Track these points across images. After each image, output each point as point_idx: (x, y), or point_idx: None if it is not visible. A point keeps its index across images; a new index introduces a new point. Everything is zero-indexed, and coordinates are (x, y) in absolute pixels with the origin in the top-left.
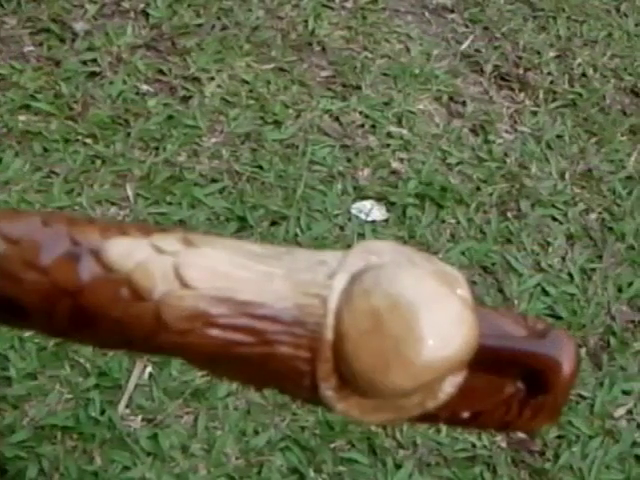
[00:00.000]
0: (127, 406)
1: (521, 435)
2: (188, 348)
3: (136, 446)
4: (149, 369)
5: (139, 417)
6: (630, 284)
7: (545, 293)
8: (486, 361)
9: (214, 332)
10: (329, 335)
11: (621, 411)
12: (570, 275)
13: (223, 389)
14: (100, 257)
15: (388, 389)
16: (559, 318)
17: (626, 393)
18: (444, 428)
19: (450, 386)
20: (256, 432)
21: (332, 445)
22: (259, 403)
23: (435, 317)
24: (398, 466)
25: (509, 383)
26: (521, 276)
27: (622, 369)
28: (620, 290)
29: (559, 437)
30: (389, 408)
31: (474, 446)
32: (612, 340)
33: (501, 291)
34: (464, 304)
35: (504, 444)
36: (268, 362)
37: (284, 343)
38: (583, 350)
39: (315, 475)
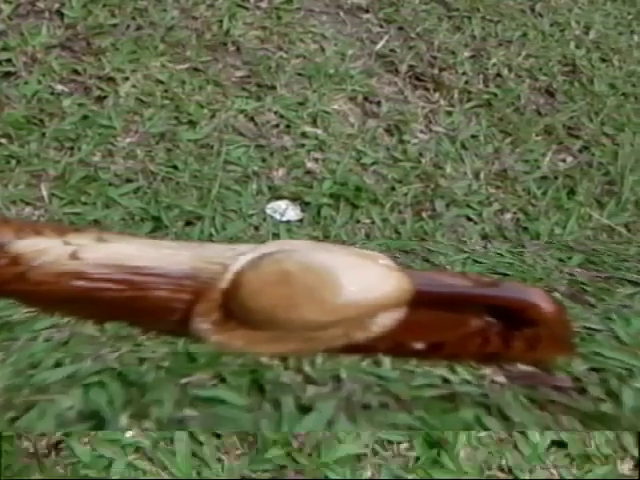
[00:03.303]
0: None
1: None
2: (39, 295)
3: None
4: None
5: None
6: None
7: None
8: (430, 302)
9: (79, 283)
10: (223, 285)
11: None
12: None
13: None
14: (7, 250)
15: (295, 323)
16: None
17: None
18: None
19: (387, 319)
20: None
21: None
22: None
23: (356, 275)
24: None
25: (473, 318)
26: None
27: None
28: None
29: None
30: (295, 339)
31: None
32: None
33: None
34: (389, 268)
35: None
36: (135, 303)
37: (161, 290)
38: None
39: None
